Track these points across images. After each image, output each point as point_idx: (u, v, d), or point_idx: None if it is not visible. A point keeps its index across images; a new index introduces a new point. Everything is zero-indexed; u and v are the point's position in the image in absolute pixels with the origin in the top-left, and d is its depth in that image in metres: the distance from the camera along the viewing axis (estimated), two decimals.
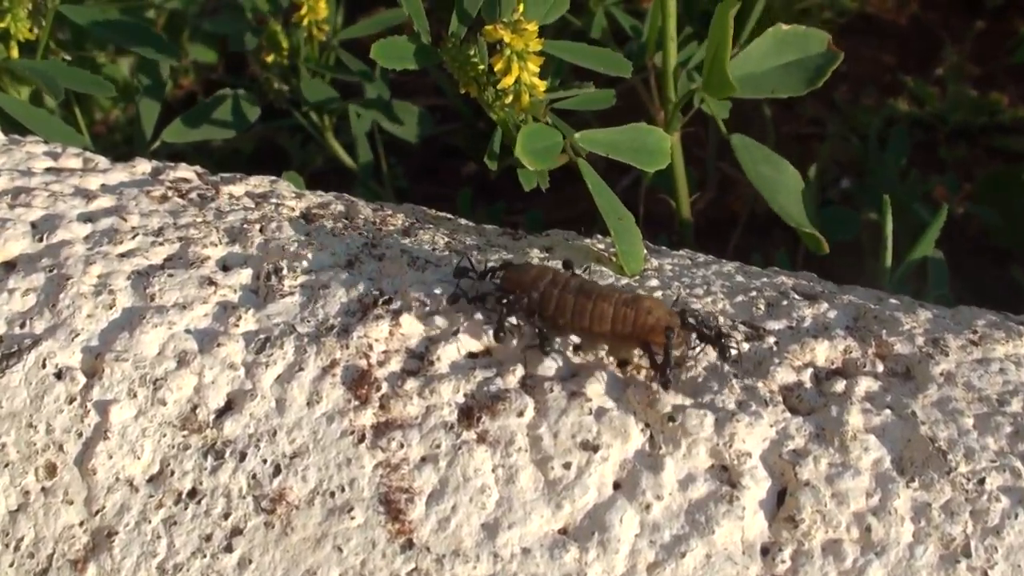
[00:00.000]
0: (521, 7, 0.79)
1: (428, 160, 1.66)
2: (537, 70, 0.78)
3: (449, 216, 0.89)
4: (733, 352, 0.68)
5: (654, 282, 0.77)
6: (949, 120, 1.61)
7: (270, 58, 1.22)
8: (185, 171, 0.88)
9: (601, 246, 0.84)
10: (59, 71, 0.89)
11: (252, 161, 1.63)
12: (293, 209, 0.83)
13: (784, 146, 1.57)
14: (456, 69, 0.81)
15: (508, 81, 0.77)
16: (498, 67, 0.77)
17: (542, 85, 0.79)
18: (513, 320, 0.69)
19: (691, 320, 0.68)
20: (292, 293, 0.73)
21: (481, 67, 0.81)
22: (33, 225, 0.78)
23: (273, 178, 0.89)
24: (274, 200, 0.84)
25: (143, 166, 0.87)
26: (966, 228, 1.46)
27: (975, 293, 1.35)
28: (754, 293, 0.75)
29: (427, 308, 0.72)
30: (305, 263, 0.76)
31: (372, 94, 1.31)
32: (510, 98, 0.79)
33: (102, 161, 0.87)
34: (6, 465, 0.68)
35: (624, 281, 0.77)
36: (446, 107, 1.65)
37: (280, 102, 1.28)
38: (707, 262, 0.82)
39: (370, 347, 0.69)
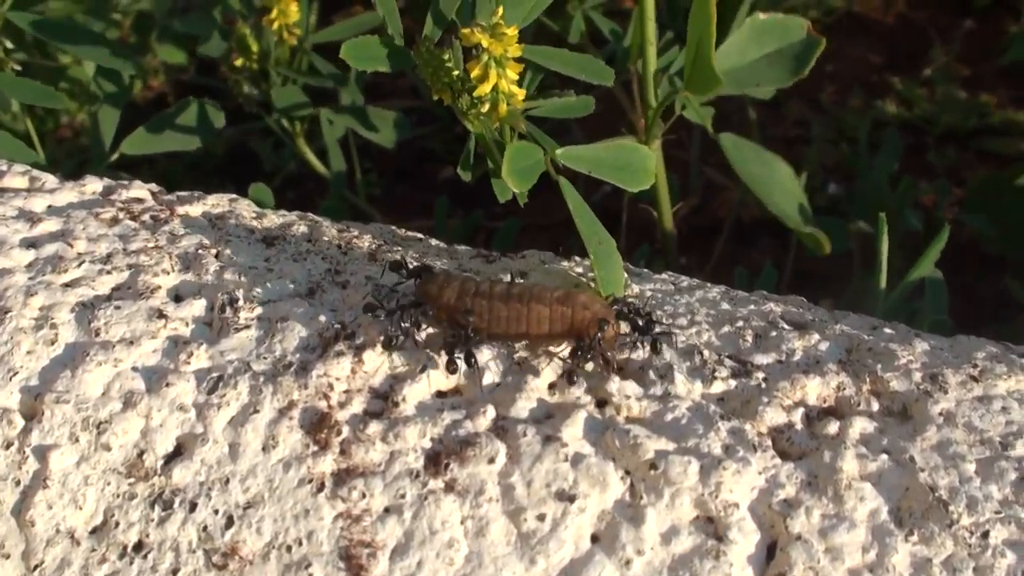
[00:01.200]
0: (500, 10, 0.74)
1: (405, 163, 1.61)
2: (516, 77, 0.73)
3: (420, 236, 0.85)
4: (665, 346, 0.67)
5: None
6: (938, 122, 1.57)
7: (239, 62, 1.17)
8: (139, 190, 0.83)
9: (579, 270, 0.79)
10: (6, 83, 0.84)
11: (223, 165, 1.58)
12: (252, 231, 0.78)
13: (770, 150, 1.53)
14: (429, 75, 0.76)
15: (485, 89, 0.73)
16: (475, 73, 0.72)
17: (521, 93, 0.74)
18: (475, 355, 0.66)
19: (625, 311, 0.67)
20: (248, 326, 0.68)
21: (456, 72, 0.76)
22: None
23: (233, 196, 0.84)
24: (232, 221, 0.79)
25: (94, 185, 0.82)
26: (957, 235, 1.42)
27: (967, 304, 1.31)
28: (741, 323, 0.71)
29: (393, 343, 0.67)
30: (262, 292, 0.71)
31: (346, 99, 1.26)
32: (486, 107, 0.74)
33: (50, 180, 0.82)
34: None
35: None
36: (423, 109, 1.60)
37: (250, 106, 1.23)
38: (691, 287, 0.78)
39: (331, 387, 0.65)
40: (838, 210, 1.43)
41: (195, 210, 0.81)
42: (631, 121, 1.18)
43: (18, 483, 0.63)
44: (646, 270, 0.82)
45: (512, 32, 0.72)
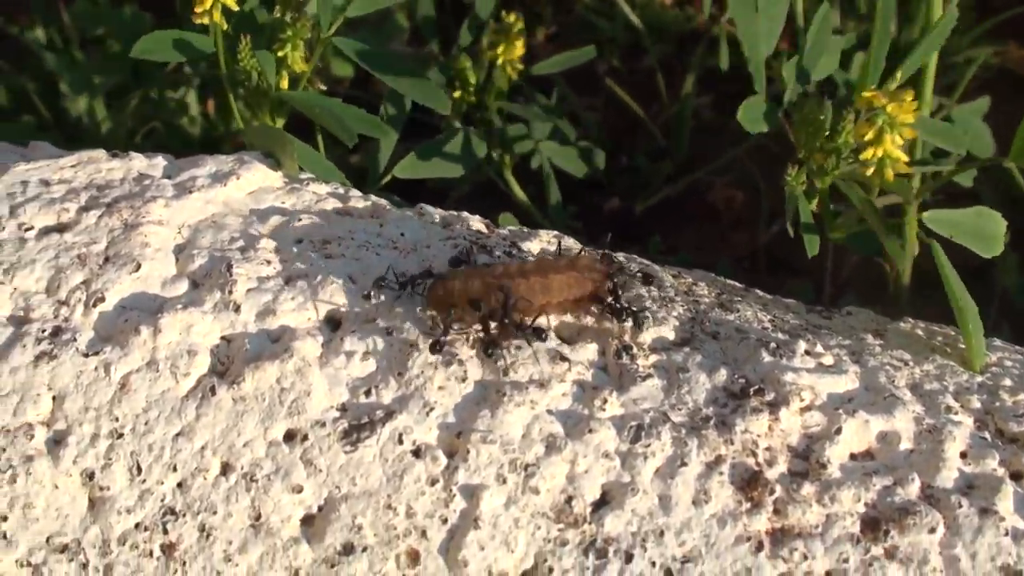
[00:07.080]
0: (899, 74, 0.75)
1: (564, 191, 1.61)
2: (902, 143, 0.74)
3: (744, 287, 0.85)
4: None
5: (1008, 380, 0.73)
6: None
7: (456, 94, 1.17)
8: (475, 222, 0.83)
9: (919, 331, 0.80)
10: (344, 111, 0.84)
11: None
12: None
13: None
14: (806, 135, 0.76)
15: (875, 152, 0.73)
16: (868, 136, 0.73)
17: (905, 158, 0.74)
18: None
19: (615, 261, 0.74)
20: (650, 375, 0.68)
21: (827, 133, 0.77)
22: (351, 279, 0.73)
23: (556, 232, 0.85)
24: None
25: (430, 214, 0.82)
26: None
27: None
28: None
29: (803, 401, 0.67)
30: (649, 340, 0.71)
31: (543, 129, 1.26)
32: (871, 170, 0.74)
33: (392, 209, 0.82)
34: (364, 549, 0.63)
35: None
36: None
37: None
38: None
39: (755, 444, 0.65)
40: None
41: (534, 247, 0.81)
42: None
43: (446, 521, 0.63)
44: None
45: (911, 98, 0.72)
